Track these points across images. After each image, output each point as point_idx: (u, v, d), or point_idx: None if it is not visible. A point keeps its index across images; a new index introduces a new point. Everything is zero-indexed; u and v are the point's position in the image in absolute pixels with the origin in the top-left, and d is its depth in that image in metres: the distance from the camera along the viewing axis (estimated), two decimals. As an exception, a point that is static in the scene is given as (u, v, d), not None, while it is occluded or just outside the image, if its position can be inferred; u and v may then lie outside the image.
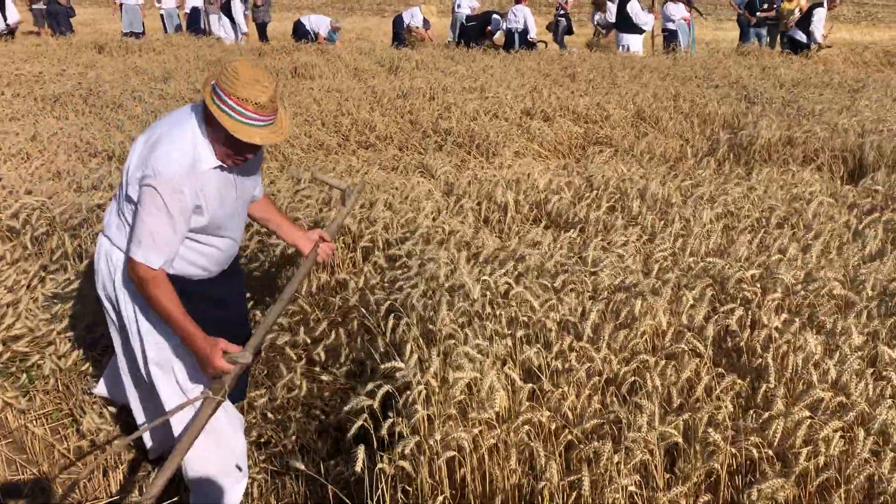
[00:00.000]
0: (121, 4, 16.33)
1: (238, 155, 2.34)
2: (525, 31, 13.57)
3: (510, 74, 9.62)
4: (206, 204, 2.36)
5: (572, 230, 3.92)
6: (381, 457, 2.24)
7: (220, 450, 2.60)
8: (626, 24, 12.66)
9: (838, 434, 2.24)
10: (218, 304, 2.64)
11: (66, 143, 5.94)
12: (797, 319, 2.77)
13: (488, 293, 2.89)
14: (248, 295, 3.31)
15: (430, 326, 2.67)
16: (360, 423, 2.28)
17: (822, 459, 2.19)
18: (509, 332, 2.67)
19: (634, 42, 12.71)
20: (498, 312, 2.79)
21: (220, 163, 2.36)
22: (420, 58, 11.26)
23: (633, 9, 12.36)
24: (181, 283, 2.48)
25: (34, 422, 3.22)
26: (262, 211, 2.86)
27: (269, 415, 3.10)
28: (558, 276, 3.10)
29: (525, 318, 2.77)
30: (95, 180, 4.77)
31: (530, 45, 13.29)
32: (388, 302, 3.02)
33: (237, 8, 14.98)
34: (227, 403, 2.62)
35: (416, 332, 2.63)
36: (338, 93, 8.27)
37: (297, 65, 10.59)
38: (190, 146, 2.31)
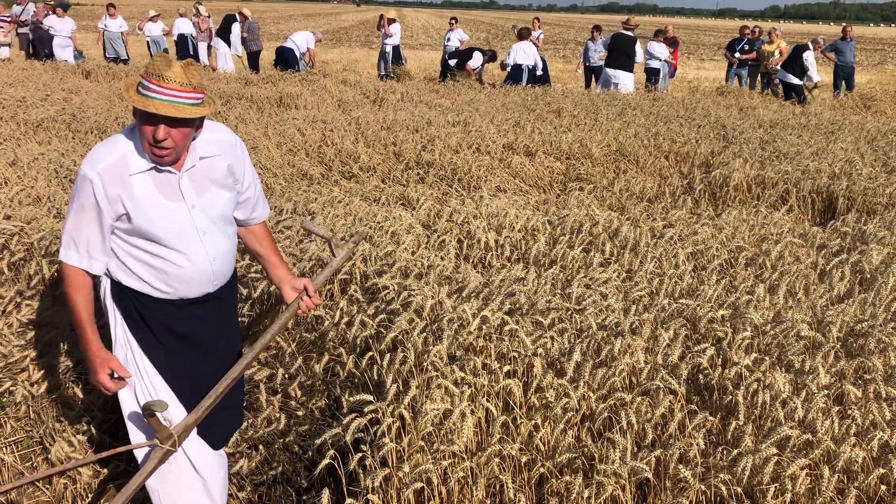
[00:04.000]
0: (103, 32, 16.51)
1: (155, 142, 2.27)
2: (535, 68, 13.83)
3: (494, 109, 9.75)
4: (134, 209, 2.34)
5: (553, 267, 3.97)
6: (349, 491, 2.24)
7: (194, 487, 2.58)
8: (627, 62, 12.95)
9: (804, 472, 2.28)
10: (181, 339, 2.53)
11: (46, 168, 5.94)
12: (766, 358, 2.83)
13: (484, 327, 2.93)
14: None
15: (418, 360, 2.69)
16: (326, 461, 2.28)
17: (788, 497, 2.22)
18: (498, 365, 2.70)
19: (629, 80, 13.03)
20: (489, 346, 2.82)
21: (152, 165, 2.35)
22: (405, 90, 11.39)
23: (639, 48, 12.98)
24: (136, 304, 2.47)
25: (4, 449, 3.18)
26: (255, 242, 2.75)
27: (260, 447, 3.10)
28: (548, 313, 3.13)
29: (514, 354, 2.80)
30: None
31: (539, 82, 13.51)
32: (364, 336, 3.03)
33: (235, 31, 15.18)
34: (204, 446, 2.60)
35: (405, 366, 2.65)
36: (322, 123, 8.34)
37: (283, 94, 10.68)
38: (114, 148, 2.35)
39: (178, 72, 2.25)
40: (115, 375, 2.43)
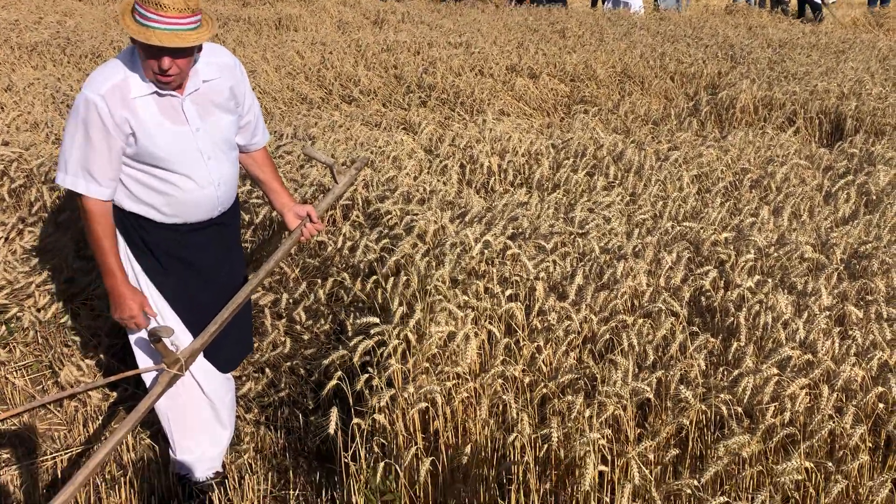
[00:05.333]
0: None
1: (161, 72, 2.24)
2: None
3: (497, 30, 9.51)
4: (140, 131, 2.31)
5: (556, 191, 3.94)
6: (356, 411, 2.28)
7: (201, 409, 2.63)
8: None
9: (804, 391, 2.30)
10: (185, 265, 2.54)
11: (42, 93, 5.84)
12: (769, 280, 2.83)
13: (486, 252, 2.92)
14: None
15: (421, 284, 2.70)
16: (334, 382, 2.32)
17: (787, 415, 2.25)
18: (500, 289, 2.71)
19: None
20: (491, 271, 2.82)
21: (154, 90, 2.31)
22: (406, 10, 11.11)
23: None
24: (140, 230, 2.46)
25: (14, 373, 3.24)
26: (257, 168, 2.73)
27: (266, 370, 3.15)
28: (551, 237, 3.12)
29: (517, 278, 2.81)
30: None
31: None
32: (367, 261, 3.03)
33: None
34: (211, 369, 2.63)
35: (409, 289, 2.66)
36: (322, 45, 8.16)
37: (281, 16, 10.42)
38: (115, 72, 2.29)
39: None
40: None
